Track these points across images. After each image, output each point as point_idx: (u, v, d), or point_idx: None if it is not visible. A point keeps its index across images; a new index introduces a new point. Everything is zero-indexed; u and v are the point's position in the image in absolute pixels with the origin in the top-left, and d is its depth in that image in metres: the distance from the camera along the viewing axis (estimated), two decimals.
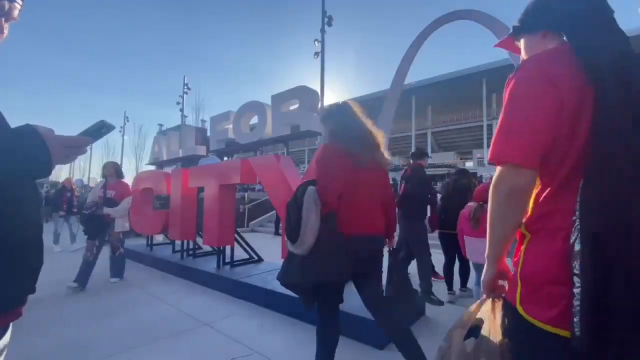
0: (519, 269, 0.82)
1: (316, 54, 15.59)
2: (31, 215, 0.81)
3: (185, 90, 25.59)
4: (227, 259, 4.26)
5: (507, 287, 0.89)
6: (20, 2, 0.85)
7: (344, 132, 1.79)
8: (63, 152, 0.80)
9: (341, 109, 1.92)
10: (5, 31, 0.83)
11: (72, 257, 5.57)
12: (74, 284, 3.74)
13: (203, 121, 27.85)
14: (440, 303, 3.17)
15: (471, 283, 3.63)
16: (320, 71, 15.19)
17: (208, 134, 16.49)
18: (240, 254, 4.64)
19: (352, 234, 1.66)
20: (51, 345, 2.39)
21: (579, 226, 0.68)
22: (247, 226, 11.07)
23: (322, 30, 15.47)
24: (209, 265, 4.30)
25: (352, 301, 2.84)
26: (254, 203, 12.11)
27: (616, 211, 0.66)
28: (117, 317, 2.97)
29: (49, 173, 0.81)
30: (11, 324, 0.83)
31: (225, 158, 14.84)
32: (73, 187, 7.51)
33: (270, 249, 6.98)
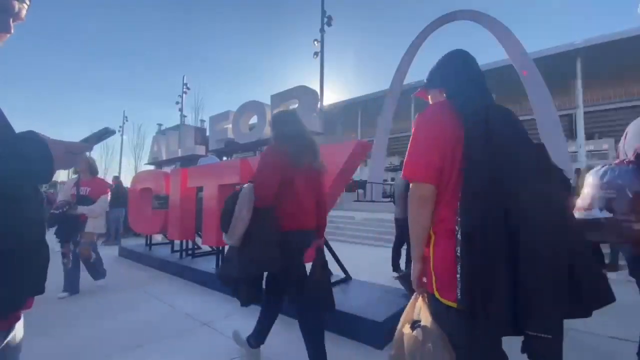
0: (431, 264, 1.09)
1: (315, 53, 15.58)
2: (33, 215, 0.82)
3: (184, 89, 25.56)
4: None
5: (426, 281, 1.14)
6: (28, 3, 0.85)
7: (286, 136, 1.98)
8: (64, 158, 0.82)
9: (288, 115, 2.16)
10: (12, 30, 0.84)
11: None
12: (64, 294, 3.56)
13: (202, 121, 27.81)
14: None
15: None
16: (320, 71, 15.19)
17: (207, 133, 16.49)
18: None
19: (288, 229, 1.86)
20: (49, 345, 2.39)
21: (459, 226, 1.00)
22: None
23: (322, 30, 15.46)
24: (208, 265, 4.30)
25: (351, 301, 2.85)
26: None
27: (478, 215, 0.97)
28: (115, 317, 2.97)
29: (51, 178, 0.82)
30: (22, 321, 0.85)
31: (225, 158, 14.84)
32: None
33: None
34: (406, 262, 4.28)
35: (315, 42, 15.52)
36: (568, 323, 2.63)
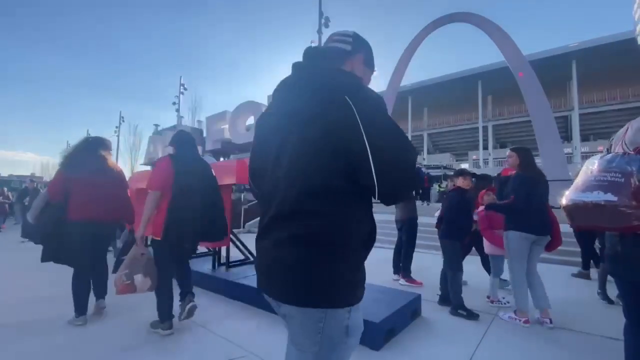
0: (157, 223, 2.54)
1: None
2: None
3: (181, 90, 25.47)
4: (223, 260, 4.24)
5: (152, 230, 2.53)
6: None
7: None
8: None
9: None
10: None
11: None
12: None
13: (199, 122, 27.73)
14: (475, 317, 2.98)
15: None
16: None
17: (204, 134, 16.45)
18: (236, 254, 4.62)
19: (78, 219, 2.73)
20: (45, 346, 2.36)
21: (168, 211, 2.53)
22: (244, 227, 11.03)
23: (319, 32, 15.49)
24: (205, 266, 4.28)
25: None
26: (251, 204, 12.06)
27: (179, 206, 2.51)
28: (110, 318, 2.94)
29: None
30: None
31: (222, 159, 14.79)
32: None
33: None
34: (403, 263, 4.28)
35: (313, 43, 15.52)
36: (566, 323, 2.64)
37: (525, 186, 2.86)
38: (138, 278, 2.48)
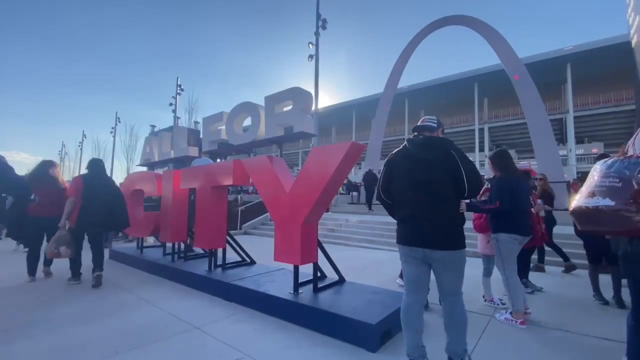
0: (74, 218, 4.07)
1: (310, 56, 15.61)
2: None
3: (178, 91, 25.40)
4: (219, 262, 4.22)
5: (72, 221, 4.05)
6: None
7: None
8: None
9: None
10: None
11: None
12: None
13: (196, 122, 27.64)
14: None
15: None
16: (315, 73, 15.22)
17: (200, 135, 16.38)
18: (232, 256, 4.60)
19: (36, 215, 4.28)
20: (38, 349, 2.33)
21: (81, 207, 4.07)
22: (240, 228, 10.98)
23: (317, 33, 15.51)
24: (201, 268, 4.25)
25: (344, 303, 2.84)
26: (247, 205, 12.02)
27: (82, 211, 4.05)
28: (105, 321, 2.91)
29: None
30: None
31: (219, 160, 14.74)
32: None
33: (262, 251, 6.92)
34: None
35: (310, 45, 15.55)
36: (563, 325, 2.63)
37: (506, 190, 2.93)
38: (62, 248, 3.90)
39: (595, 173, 1.55)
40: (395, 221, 2.15)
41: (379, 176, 2.30)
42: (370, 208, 12.17)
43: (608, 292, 3.41)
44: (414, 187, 1.98)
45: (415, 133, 2.22)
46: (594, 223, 1.51)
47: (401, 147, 2.19)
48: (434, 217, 1.93)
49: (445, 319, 2.03)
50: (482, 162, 28.62)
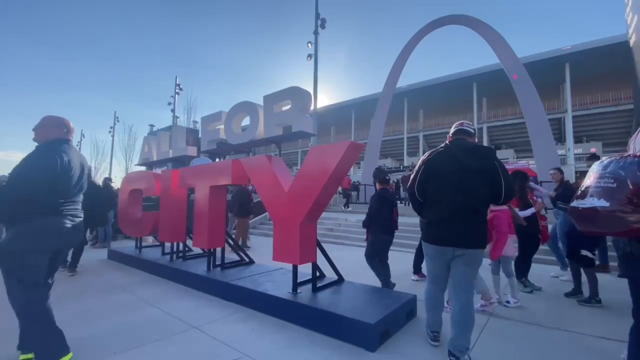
0: None
1: (309, 56, 15.59)
2: None
3: (177, 90, 25.35)
4: (218, 261, 4.21)
5: None
6: None
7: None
8: None
9: None
10: None
11: None
12: None
13: (195, 122, 27.59)
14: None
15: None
16: (314, 73, 15.21)
17: (199, 134, 16.34)
18: (231, 256, 4.60)
19: None
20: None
21: None
22: None
23: (316, 33, 15.50)
24: (199, 267, 4.24)
25: (343, 303, 2.84)
26: None
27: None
28: (104, 320, 2.90)
29: None
30: None
31: (218, 159, 14.71)
32: None
33: (261, 250, 6.92)
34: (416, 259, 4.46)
35: (309, 44, 15.54)
36: (560, 324, 2.63)
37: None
38: None
39: (592, 174, 1.55)
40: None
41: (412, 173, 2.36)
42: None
43: (608, 292, 3.42)
44: (458, 190, 2.08)
45: (454, 136, 2.31)
46: (591, 224, 1.51)
47: (442, 148, 2.24)
48: (471, 219, 2.09)
49: (453, 314, 2.12)
50: None
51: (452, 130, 2.35)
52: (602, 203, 1.41)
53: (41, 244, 2.04)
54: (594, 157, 5.28)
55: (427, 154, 2.30)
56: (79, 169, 2.24)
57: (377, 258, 3.80)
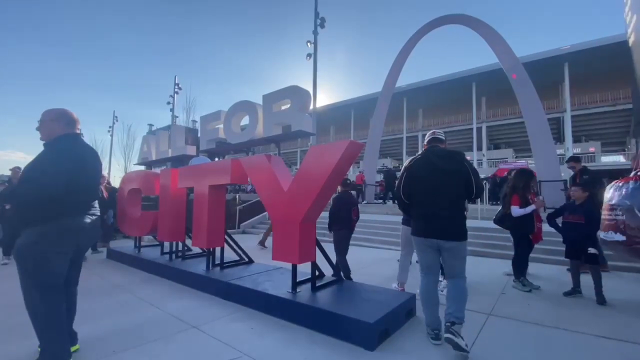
0: None
1: (309, 55, 15.59)
2: None
3: (176, 90, 25.30)
4: (217, 261, 4.21)
5: None
6: None
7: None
8: None
9: None
10: None
11: None
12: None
13: (194, 121, 27.56)
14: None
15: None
16: (313, 72, 15.20)
17: (199, 134, 16.34)
18: (230, 255, 4.59)
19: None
20: (36, 349, 2.32)
21: None
22: (239, 227, 10.96)
23: (315, 32, 15.49)
24: (199, 267, 4.24)
25: (342, 302, 2.84)
26: (246, 204, 12.00)
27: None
28: (103, 320, 2.90)
29: None
30: None
31: (217, 159, 14.70)
32: None
33: (261, 250, 6.93)
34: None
35: (309, 44, 15.52)
36: (560, 323, 2.63)
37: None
38: None
39: (604, 205, 1.55)
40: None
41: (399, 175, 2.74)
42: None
43: (608, 292, 3.42)
44: (435, 190, 2.42)
45: (429, 144, 2.71)
46: (625, 254, 1.51)
47: (419, 156, 2.62)
48: (449, 214, 2.39)
49: (449, 293, 2.40)
50: (479, 160, 28.72)
51: (427, 138, 2.75)
52: (620, 237, 1.41)
53: (66, 245, 2.01)
54: (573, 159, 5.28)
55: (408, 161, 2.66)
56: (91, 167, 2.19)
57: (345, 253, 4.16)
